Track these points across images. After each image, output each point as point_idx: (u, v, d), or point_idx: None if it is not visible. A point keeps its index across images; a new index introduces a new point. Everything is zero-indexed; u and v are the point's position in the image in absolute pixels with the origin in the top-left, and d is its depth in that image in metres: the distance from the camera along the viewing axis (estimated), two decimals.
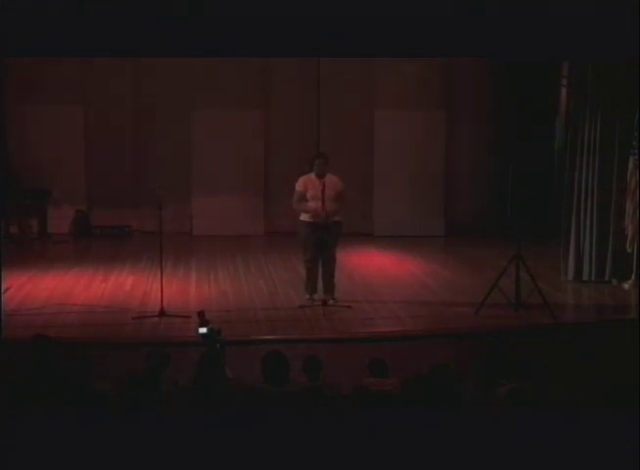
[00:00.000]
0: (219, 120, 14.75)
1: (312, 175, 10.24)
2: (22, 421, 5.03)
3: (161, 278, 9.99)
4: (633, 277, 11.07)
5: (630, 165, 10.97)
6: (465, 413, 5.39)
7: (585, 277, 11.40)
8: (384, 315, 9.94)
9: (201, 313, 8.96)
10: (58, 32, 7.27)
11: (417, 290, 11.10)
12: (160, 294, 9.85)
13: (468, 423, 5.06)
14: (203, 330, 8.60)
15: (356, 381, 6.45)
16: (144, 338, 9.08)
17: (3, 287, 9.90)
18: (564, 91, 13.20)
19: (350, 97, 14.85)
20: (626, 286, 11.05)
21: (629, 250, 11.09)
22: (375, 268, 12.59)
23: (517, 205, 12.06)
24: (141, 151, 15.00)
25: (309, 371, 6.60)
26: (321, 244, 10.17)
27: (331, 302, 10.20)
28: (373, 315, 9.96)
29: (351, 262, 12.30)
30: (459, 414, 5.29)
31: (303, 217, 10.27)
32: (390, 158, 14.82)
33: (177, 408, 5.63)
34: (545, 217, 13.17)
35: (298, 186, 10.25)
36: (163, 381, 6.24)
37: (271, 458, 4.90)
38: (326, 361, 6.90)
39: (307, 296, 10.33)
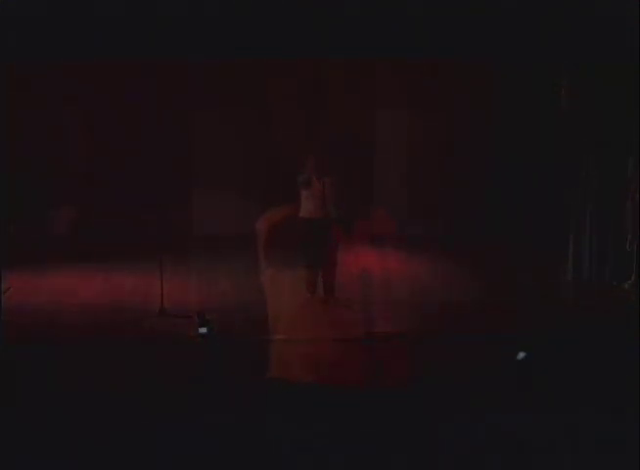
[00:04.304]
0: (219, 120, 14.74)
1: (310, 174, 10.28)
2: (22, 420, 5.04)
3: (161, 278, 9.99)
4: (633, 277, 11.07)
5: (630, 166, 10.97)
6: (465, 413, 5.40)
7: (585, 277, 11.41)
8: (383, 315, 9.94)
9: (201, 313, 9.00)
10: (58, 33, 7.28)
11: (416, 290, 11.10)
12: (160, 294, 9.85)
13: (468, 423, 5.07)
14: (203, 330, 8.64)
15: (356, 381, 6.46)
16: (144, 338, 9.09)
17: (3, 287, 9.91)
18: (564, 91, 13.20)
19: (350, 97, 14.84)
20: (626, 286, 11.06)
21: (629, 250, 11.09)
22: (375, 268, 12.58)
23: (517, 204, 12.09)
24: (141, 150, 14.98)
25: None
26: (320, 242, 10.19)
27: (331, 301, 10.21)
28: (373, 315, 9.96)
29: (352, 262, 12.29)
30: (459, 414, 5.30)
31: (302, 214, 10.33)
32: (391, 158, 14.81)
33: (178, 408, 5.64)
34: (545, 217, 13.16)
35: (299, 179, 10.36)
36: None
37: (271, 458, 4.91)
38: (326, 361, 6.90)
39: (307, 296, 10.34)
